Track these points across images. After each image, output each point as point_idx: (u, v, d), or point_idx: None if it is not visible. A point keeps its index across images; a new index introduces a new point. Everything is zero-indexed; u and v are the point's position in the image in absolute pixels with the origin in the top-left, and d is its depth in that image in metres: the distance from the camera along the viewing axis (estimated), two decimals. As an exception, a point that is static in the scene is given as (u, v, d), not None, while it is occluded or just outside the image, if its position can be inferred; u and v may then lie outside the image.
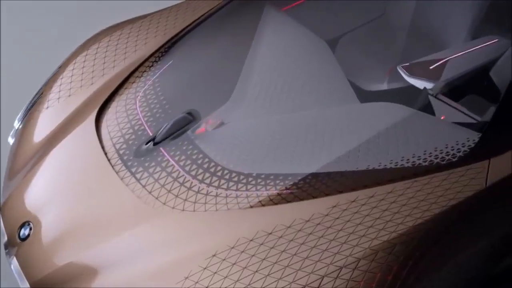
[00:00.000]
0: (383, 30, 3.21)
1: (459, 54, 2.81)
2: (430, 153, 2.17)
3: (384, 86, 2.91)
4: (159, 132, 2.37)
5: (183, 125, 2.38)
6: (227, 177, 2.18)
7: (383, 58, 3.10)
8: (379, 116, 2.38)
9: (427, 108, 2.56)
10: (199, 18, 2.93)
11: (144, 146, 2.34)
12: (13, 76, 4.07)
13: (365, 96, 2.92)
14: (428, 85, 2.68)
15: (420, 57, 2.85)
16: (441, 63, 2.75)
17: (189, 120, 2.39)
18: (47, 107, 2.64)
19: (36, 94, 2.79)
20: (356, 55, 3.11)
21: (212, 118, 2.46)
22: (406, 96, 2.72)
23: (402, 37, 3.17)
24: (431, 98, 2.55)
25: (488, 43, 2.85)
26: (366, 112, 2.43)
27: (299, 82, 2.66)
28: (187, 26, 2.89)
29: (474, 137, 2.20)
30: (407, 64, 2.73)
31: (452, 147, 2.18)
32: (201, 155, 2.26)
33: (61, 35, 4.38)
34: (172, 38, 2.82)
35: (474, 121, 2.35)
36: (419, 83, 2.70)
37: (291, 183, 2.14)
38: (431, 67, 2.74)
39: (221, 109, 2.50)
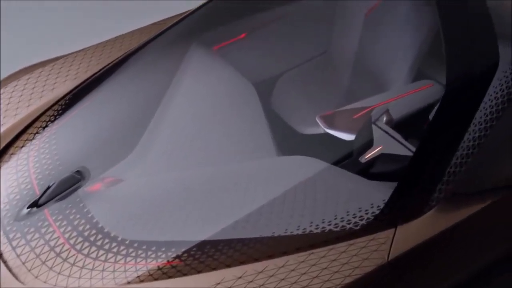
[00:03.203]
0: (325, 69, 3.04)
1: (391, 100, 2.63)
2: (330, 221, 1.97)
3: (321, 130, 2.72)
4: (44, 193, 2.17)
5: (70, 185, 2.18)
6: (106, 246, 1.99)
7: (323, 99, 2.92)
8: (283, 176, 2.18)
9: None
10: (115, 60, 2.74)
11: (26, 209, 2.14)
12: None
13: (300, 140, 2.74)
14: (350, 137, 2.49)
15: (360, 98, 2.67)
16: (367, 111, 2.57)
17: (77, 179, 2.19)
18: None
19: None
20: (295, 95, 2.93)
21: (108, 175, 2.27)
22: (341, 140, 2.54)
23: (345, 75, 2.99)
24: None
25: (423, 87, 2.67)
26: (269, 172, 2.23)
27: (216, 133, 2.47)
28: (101, 69, 2.70)
29: (379, 202, 1.99)
30: (327, 114, 2.54)
31: (354, 214, 1.98)
32: (83, 220, 2.07)
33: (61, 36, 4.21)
34: (81, 83, 2.62)
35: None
36: (340, 134, 2.52)
37: (174, 255, 1.94)
38: (354, 116, 2.56)
39: (121, 165, 2.31)
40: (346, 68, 2.98)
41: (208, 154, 2.38)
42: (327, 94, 2.94)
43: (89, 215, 2.08)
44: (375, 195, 2.02)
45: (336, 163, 2.35)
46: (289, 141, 2.71)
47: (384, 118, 2.48)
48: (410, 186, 2.00)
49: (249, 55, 2.95)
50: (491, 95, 2.04)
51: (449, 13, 2.15)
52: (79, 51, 2.84)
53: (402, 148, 2.29)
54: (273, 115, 2.80)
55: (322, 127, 2.48)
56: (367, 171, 2.29)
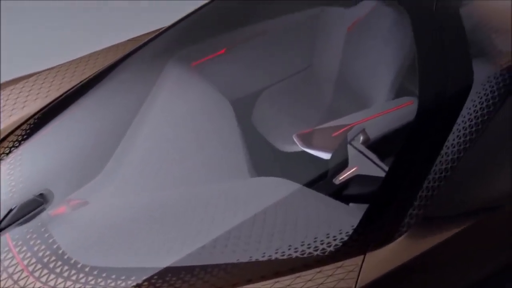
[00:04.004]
0: (307, 85, 2.97)
1: (371, 118, 2.56)
2: (296, 248, 1.90)
3: (300, 148, 2.65)
4: (5, 216, 2.11)
5: (32, 209, 2.11)
6: (65, 274, 1.91)
7: (304, 116, 2.86)
8: (251, 199, 2.11)
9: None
10: (88, 77, 2.68)
11: None
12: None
13: (279, 157, 2.68)
14: (327, 156, 2.43)
15: (342, 115, 2.60)
16: (345, 130, 2.50)
17: (39, 202, 2.12)
18: None
19: None
20: (275, 112, 2.87)
21: (74, 197, 2.20)
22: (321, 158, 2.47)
23: (326, 91, 2.93)
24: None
25: (404, 105, 2.60)
26: (237, 195, 2.16)
27: (187, 153, 2.40)
28: (72, 88, 2.63)
29: (348, 227, 1.92)
30: (304, 132, 2.47)
31: (322, 240, 1.91)
32: (43, 245, 2.00)
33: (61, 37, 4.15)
34: (52, 102, 2.56)
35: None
36: (317, 153, 2.45)
37: (134, 283, 1.87)
38: (332, 134, 2.49)
39: (88, 186, 2.24)
40: (327, 84, 2.91)
41: (179, 176, 2.31)
42: (308, 110, 2.87)
43: (50, 240, 2.01)
44: (345, 219, 1.95)
45: (314, 182, 2.28)
46: (268, 159, 2.65)
47: (361, 138, 2.41)
48: (380, 211, 1.93)
49: (229, 71, 2.89)
50: (464, 117, 1.97)
51: (424, 33, 2.09)
52: (52, 68, 2.79)
53: (377, 169, 2.21)
54: (252, 132, 2.73)
55: (299, 145, 2.42)
56: (341, 193, 2.22)
